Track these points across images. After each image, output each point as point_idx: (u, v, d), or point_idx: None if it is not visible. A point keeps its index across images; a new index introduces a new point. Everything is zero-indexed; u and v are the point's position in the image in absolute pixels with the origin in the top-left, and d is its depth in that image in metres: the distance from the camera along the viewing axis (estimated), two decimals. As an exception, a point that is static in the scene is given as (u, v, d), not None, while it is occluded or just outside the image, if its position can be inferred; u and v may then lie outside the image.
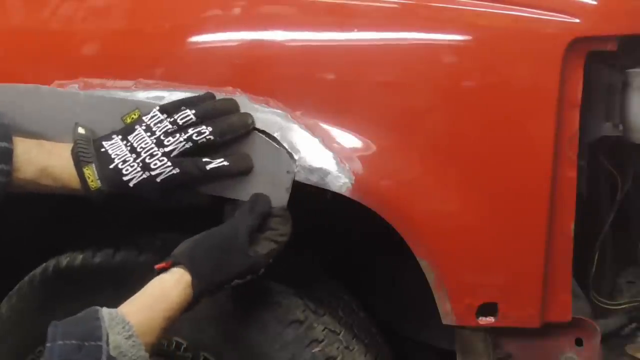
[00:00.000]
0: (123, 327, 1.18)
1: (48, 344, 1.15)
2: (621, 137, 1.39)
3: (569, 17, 1.32)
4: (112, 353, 1.14)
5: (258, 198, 1.35)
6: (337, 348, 1.53)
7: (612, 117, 1.38)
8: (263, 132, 1.37)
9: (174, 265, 1.29)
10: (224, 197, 1.39)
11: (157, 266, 1.30)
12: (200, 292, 1.29)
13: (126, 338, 1.17)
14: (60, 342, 1.15)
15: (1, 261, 1.66)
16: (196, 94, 1.39)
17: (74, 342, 1.14)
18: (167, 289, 1.27)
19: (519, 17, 1.34)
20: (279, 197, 1.36)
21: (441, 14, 1.37)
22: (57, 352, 1.14)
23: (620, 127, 1.38)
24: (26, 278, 1.64)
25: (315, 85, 1.40)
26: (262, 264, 1.34)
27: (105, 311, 1.19)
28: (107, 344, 1.15)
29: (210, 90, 1.40)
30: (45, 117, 1.42)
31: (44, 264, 1.63)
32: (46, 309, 1.62)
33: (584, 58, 1.31)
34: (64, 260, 1.61)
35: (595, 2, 1.37)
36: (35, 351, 1.63)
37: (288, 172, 1.36)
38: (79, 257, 1.60)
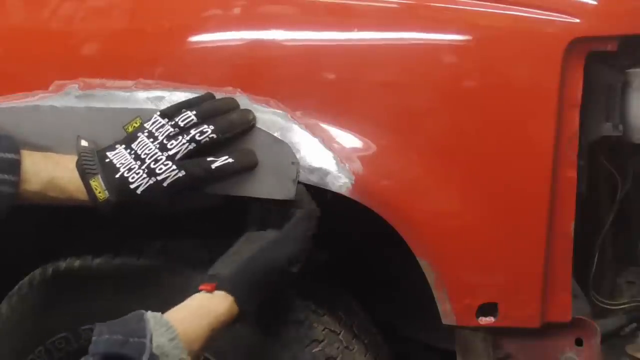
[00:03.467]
0: (167, 330, 1.19)
1: (94, 338, 1.17)
2: (621, 137, 1.39)
3: (569, 17, 1.32)
4: (155, 352, 1.15)
5: (306, 211, 1.37)
6: (337, 348, 1.53)
7: (612, 117, 1.38)
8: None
9: (217, 288, 1.30)
10: (231, 195, 1.39)
11: (201, 287, 1.30)
12: (241, 315, 1.31)
13: (169, 340, 1.18)
14: (106, 336, 1.16)
15: (1, 262, 1.66)
16: (196, 95, 1.40)
17: (119, 337, 1.16)
18: (212, 305, 1.29)
19: (519, 17, 1.34)
20: (286, 189, 1.36)
21: (441, 14, 1.37)
22: (102, 345, 1.16)
23: (620, 127, 1.38)
24: (26, 278, 1.64)
25: (315, 86, 1.40)
26: (293, 278, 1.37)
27: (150, 314, 1.21)
28: (151, 342, 1.16)
29: (210, 91, 1.40)
30: (47, 134, 1.42)
31: (44, 265, 1.63)
32: (46, 310, 1.62)
33: (584, 58, 1.31)
34: (63, 262, 1.61)
35: (595, 2, 1.37)
36: (35, 351, 1.63)
37: (293, 163, 1.35)
38: (78, 259, 1.60)
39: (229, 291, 1.30)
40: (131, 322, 1.20)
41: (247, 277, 1.32)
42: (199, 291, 1.30)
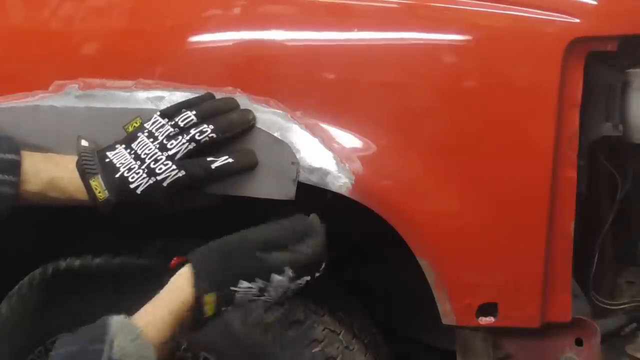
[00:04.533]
0: (129, 331, 1.18)
1: (52, 353, 1.17)
2: (621, 137, 1.39)
3: (569, 17, 1.32)
4: (116, 355, 1.15)
5: (297, 216, 1.35)
6: (337, 348, 1.53)
7: (612, 117, 1.38)
8: None
9: (185, 263, 1.29)
10: (231, 195, 1.39)
11: (171, 264, 1.29)
12: (200, 288, 1.26)
13: (131, 340, 1.17)
14: (62, 350, 1.16)
15: (1, 262, 1.66)
16: (196, 95, 1.40)
17: (76, 347, 1.16)
18: (171, 287, 1.27)
19: (519, 17, 1.34)
20: (286, 189, 1.36)
21: (441, 14, 1.37)
22: (58, 358, 1.16)
23: (620, 127, 1.38)
24: (26, 279, 1.64)
25: (315, 85, 1.40)
26: (272, 267, 1.29)
27: (114, 318, 1.20)
28: (111, 348, 1.15)
29: (210, 91, 1.40)
30: (47, 134, 1.42)
31: (44, 265, 1.63)
32: (46, 310, 1.62)
33: (584, 58, 1.31)
34: (63, 262, 1.61)
35: (595, 2, 1.37)
36: (35, 351, 1.63)
37: (293, 163, 1.35)
38: (78, 259, 1.60)
39: (191, 262, 1.27)
40: (93, 330, 1.19)
41: (211, 251, 1.30)
42: (172, 272, 1.28)
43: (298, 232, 1.33)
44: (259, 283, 1.29)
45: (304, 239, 1.33)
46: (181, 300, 1.26)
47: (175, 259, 1.30)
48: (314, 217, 1.35)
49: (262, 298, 1.31)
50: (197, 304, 1.26)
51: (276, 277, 1.29)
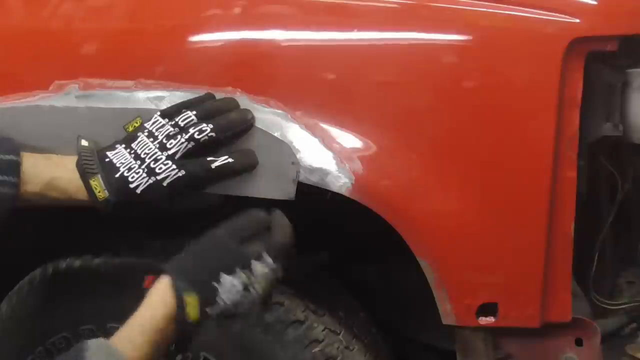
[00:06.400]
0: (106, 352, 1.17)
1: None
2: (621, 137, 1.39)
3: (569, 17, 1.32)
4: None
5: (255, 210, 1.32)
6: (337, 348, 1.53)
7: (612, 117, 1.38)
8: None
9: (159, 275, 1.25)
10: (231, 195, 1.39)
11: (145, 284, 1.25)
12: (179, 289, 1.21)
13: None
14: None
15: (1, 262, 1.66)
16: (196, 95, 1.40)
17: None
18: (149, 300, 1.23)
19: (519, 17, 1.34)
20: (286, 189, 1.35)
21: (441, 14, 1.37)
22: None
23: (620, 127, 1.38)
24: (26, 278, 1.64)
25: (315, 85, 1.40)
26: (250, 255, 1.25)
27: (92, 342, 1.19)
28: None
29: (210, 91, 1.40)
30: (47, 134, 1.41)
31: (44, 265, 1.63)
32: (46, 310, 1.62)
33: (584, 58, 1.31)
34: (63, 262, 1.61)
35: (595, 2, 1.38)
36: (35, 351, 1.63)
37: (293, 163, 1.35)
38: (78, 259, 1.60)
39: (167, 271, 1.24)
40: (70, 356, 1.18)
41: (185, 253, 1.27)
42: (146, 289, 1.25)
43: (263, 222, 1.30)
44: (242, 276, 1.24)
45: (271, 227, 1.30)
46: (161, 312, 1.22)
47: (148, 277, 1.26)
48: (277, 211, 1.32)
49: (249, 295, 1.26)
50: (178, 308, 1.21)
51: (257, 265, 1.25)
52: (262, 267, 1.26)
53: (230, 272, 1.24)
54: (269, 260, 1.27)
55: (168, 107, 1.38)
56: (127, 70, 1.45)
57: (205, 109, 1.37)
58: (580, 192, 1.35)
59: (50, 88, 1.46)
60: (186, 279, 1.23)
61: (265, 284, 1.27)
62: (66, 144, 1.39)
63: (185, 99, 1.40)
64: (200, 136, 1.34)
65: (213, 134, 1.34)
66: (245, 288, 1.26)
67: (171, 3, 1.51)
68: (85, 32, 1.51)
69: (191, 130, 1.34)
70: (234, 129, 1.36)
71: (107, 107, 1.42)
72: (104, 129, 1.40)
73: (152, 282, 1.25)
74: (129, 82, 1.43)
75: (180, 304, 1.22)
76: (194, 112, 1.36)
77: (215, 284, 1.24)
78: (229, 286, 1.24)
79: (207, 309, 1.24)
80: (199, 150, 1.34)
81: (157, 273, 1.26)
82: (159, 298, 1.23)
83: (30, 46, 1.52)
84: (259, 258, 1.26)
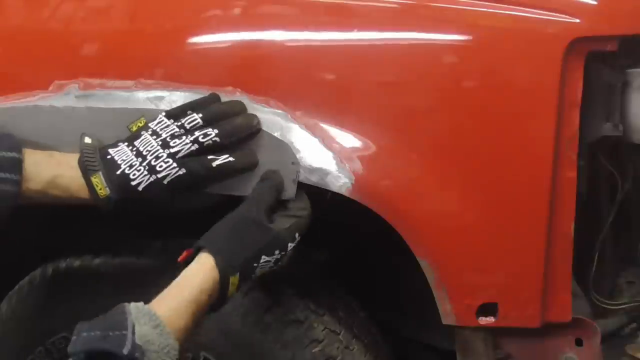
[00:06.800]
0: (150, 318, 1.17)
1: (73, 337, 1.15)
2: (621, 137, 1.39)
3: (569, 17, 1.32)
4: (139, 342, 1.14)
5: (268, 173, 1.36)
6: (337, 348, 1.53)
7: (612, 117, 1.38)
8: None
9: (196, 252, 1.29)
10: (231, 194, 1.39)
11: (180, 259, 1.29)
12: (225, 270, 1.26)
13: (153, 327, 1.17)
14: (84, 334, 1.15)
15: (1, 262, 1.66)
16: (198, 95, 1.39)
17: (98, 332, 1.14)
18: (190, 275, 1.26)
19: (519, 17, 1.34)
20: (287, 189, 1.36)
21: (441, 14, 1.37)
22: (80, 343, 1.14)
23: (620, 127, 1.38)
24: (26, 278, 1.64)
25: (315, 85, 1.40)
26: (287, 238, 1.32)
27: (132, 305, 1.19)
28: (133, 334, 1.14)
29: (210, 91, 1.40)
30: (47, 134, 1.41)
31: (44, 265, 1.63)
32: (46, 310, 1.62)
33: (584, 58, 1.32)
34: (63, 262, 1.61)
35: (595, 2, 1.38)
36: (35, 351, 1.63)
37: (293, 163, 1.35)
38: (78, 259, 1.60)
39: (206, 248, 1.28)
40: (112, 316, 1.18)
41: (222, 232, 1.30)
42: (184, 266, 1.28)
43: (280, 186, 1.36)
44: (277, 255, 1.31)
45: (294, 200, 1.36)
46: (202, 286, 1.25)
47: (185, 252, 1.29)
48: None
49: (275, 267, 1.33)
50: (221, 287, 1.27)
51: (290, 246, 1.33)
52: (292, 246, 1.34)
53: (270, 254, 1.31)
54: (297, 237, 1.34)
55: (173, 108, 1.38)
56: (127, 70, 1.45)
57: (211, 111, 1.36)
58: (580, 192, 1.36)
59: (50, 88, 1.46)
60: (231, 259, 1.28)
61: (288, 258, 1.34)
62: (66, 144, 1.39)
63: (185, 99, 1.40)
64: (205, 140, 1.34)
65: (217, 139, 1.34)
66: (275, 263, 1.33)
67: (171, 4, 1.51)
68: (85, 32, 1.51)
69: (197, 133, 1.34)
70: (239, 135, 1.36)
71: (107, 107, 1.41)
72: (103, 129, 1.40)
73: (187, 257, 1.29)
74: (129, 82, 1.43)
75: (224, 284, 1.27)
76: (200, 115, 1.36)
77: (255, 265, 1.30)
78: (265, 264, 1.31)
79: (243, 284, 1.30)
80: (201, 152, 1.34)
81: (194, 248, 1.29)
82: (200, 275, 1.26)
83: (30, 46, 1.52)
84: (294, 240, 1.33)
